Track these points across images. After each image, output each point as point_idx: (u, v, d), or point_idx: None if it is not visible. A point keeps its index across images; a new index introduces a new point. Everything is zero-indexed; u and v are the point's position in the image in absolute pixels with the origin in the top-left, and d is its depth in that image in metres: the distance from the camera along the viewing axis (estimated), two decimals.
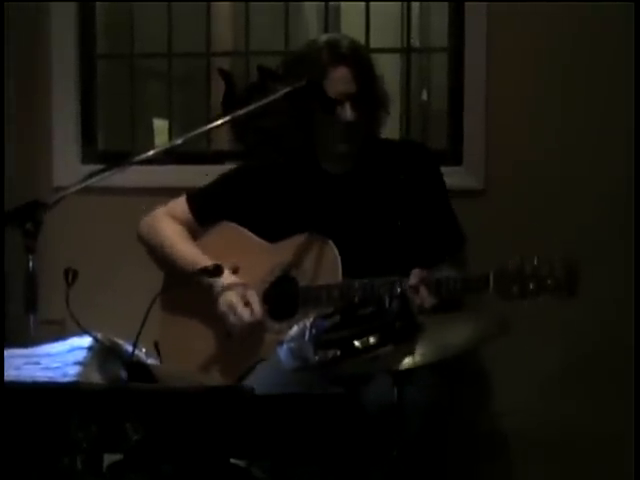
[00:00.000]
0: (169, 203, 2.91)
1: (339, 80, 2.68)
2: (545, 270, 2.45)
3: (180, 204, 2.88)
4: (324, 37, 2.81)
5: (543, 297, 2.46)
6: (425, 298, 2.50)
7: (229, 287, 2.69)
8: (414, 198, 2.77)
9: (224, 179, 2.91)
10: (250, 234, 2.81)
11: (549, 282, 2.45)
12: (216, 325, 2.77)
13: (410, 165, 2.81)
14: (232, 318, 2.68)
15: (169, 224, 2.85)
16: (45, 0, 3.56)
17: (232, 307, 2.68)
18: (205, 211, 2.86)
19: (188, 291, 2.77)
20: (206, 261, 2.69)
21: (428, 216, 2.76)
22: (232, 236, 2.83)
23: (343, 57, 2.70)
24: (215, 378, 2.69)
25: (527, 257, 2.48)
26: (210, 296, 2.72)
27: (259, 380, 2.49)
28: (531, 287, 2.45)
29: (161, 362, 2.73)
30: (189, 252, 2.79)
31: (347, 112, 2.68)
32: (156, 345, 2.76)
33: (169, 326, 2.82)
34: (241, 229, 2.82)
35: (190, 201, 2.87)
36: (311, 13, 3.99)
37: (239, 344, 2.73)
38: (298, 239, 2.73)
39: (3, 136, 3.49)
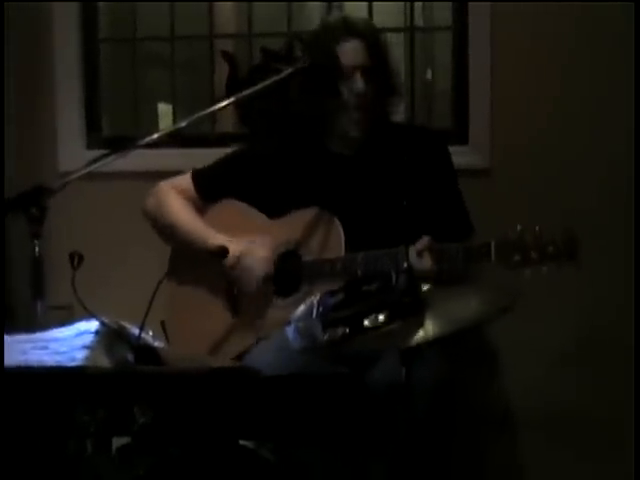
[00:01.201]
0: (173, 179, 2.91)
1: (351, 51, 2.69)
2: (546, 238, 2.46)
3: (185, 180, 2.89)
4: (340, 15, 2.82)
5: (545, 265, 2.46)
6: (427, 261, 2.50)
7: (244, 251, 2.70)
8: (421, 182, 2.76)
9: (230, 158, 2.92)
10: (254, 211, 2.82)
11: (550, 249, 2.46)
12: (224, 303, 2.78)
13: (418, 149, 2.81)
14: (245, 276, 2.67)
15: (177, 200, 2.86)
16: None
17: (244, 266, 2.69)
18: (210, 189, 2.87)
19: (196, 268, 2.78)
20: (215, 237, 2.71)
21: (435, 201, 2.76)
22: (236, 213, 2.84)
23: (357, 30, 2.73)
24: (221, 356, 2.70)
25: (528, 226, 2.48)
26: (218, 273, 2.72)
27: (263, 360, 2.49)
28: (533, 255, 2.47)
29: (168, 341, 2.75)
30: (197, 227, 2.80)
31: (358, 83, 2.68)
32: (163, 324, 2.77)
33: (176, 304, 2.83)
34: (245, 206, 2.83)
35: (196, 178, 2.88)
36: None
37: (246, 322, 2.73)
38: (302, 214, 2.74)
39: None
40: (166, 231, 2.87)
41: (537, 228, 2.48)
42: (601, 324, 3.24)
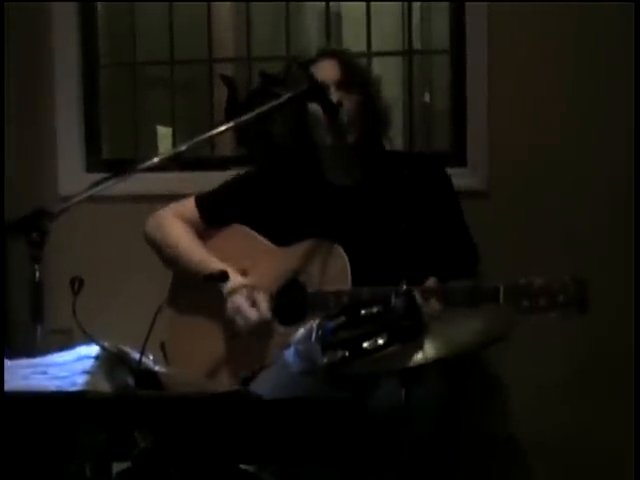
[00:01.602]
0: (176, 204, 2.91)
1: (324, 67, 2.73)
2: (556, 286, 2.44)
3: (188, 205, 2.89)
4: (313, 50, 2.88)
5: (553, 313, 2.45)
6: (434, 305, 2.50)
7: (237, 289, 2.70)
8: (423, 210, 2.77)
9: (233, 182, 2.93)
10: (260, 237, 2.82)
11: (560, 298, 2.44)
12: (224, 327, 2.78)
13: (418, 176, 2.81)
14: (239, 319, 2.69)
15: (178, 225, 2.87)
16: (46, 0, 3.57)
17: (239, 307, 2.69)
18: (214, 214, 2.87)
19: (196, 293, 2.78)
20: (215, 264, 2.72)
21: (438, 228, 2.76)
22: (242, 239, 2.84)
23: (330, 51, 2.82)
24: (222, 381, 2.70)
25: (538, 274, 2.47)
26: (218, 298, 2.72)
27: (265, 384, 2.49)
28: (542, 302, 2.45)
29: (167, 363, 2.74)
30: (198, 254, 2.80)
31: (332, 96, 2.68)
32: (162, 346, 2.77)
33: (177, 327, 2.83)
34: (251, 232, 2.83)
35: (199, 203, 2.88)
36: (312, 18, 4.00)
37: (246, 347, 2.73)
38: (308, 244, 2.73)
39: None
40: (166, 255, 2.87)
41: (547, 277, 2.46)
42: (601, 354, 3.23)
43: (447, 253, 2.73)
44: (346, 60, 2.80)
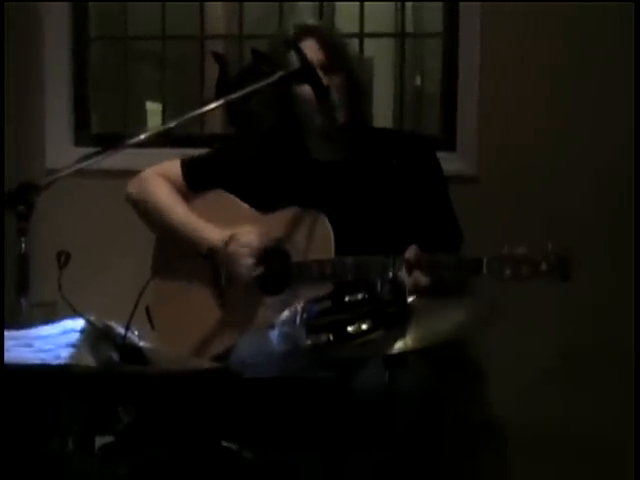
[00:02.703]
0: (160, 165, 2.90)
1: (305, 49, 2.68)
2: (538, 255, 2.47)
3: (173, 167, 2.88)
4: (291, 26, 2.83)
5: (538, 280, 2.47)
6: (419, 277, 2.51)
7: (228, 241, 2.70)
8: (409, 186, 2.77)
9: (220, 149, 2.94)
10: (242, 204, 2.82)
11: (542, 266, 2.47)
12: (210, 295, 2.78)
13: (406, 154, 2.81)
14: (235, 267, 2.68)
15: (162, 185, 2.85)
16: None
17: (235, 255, 2.69)
18: (199, 178, 2.87)
19: (182, 259, 2.78)
20: (199, 223, 2.73)
21: (424, 206, 2.76)
22: (224, 205, 2.83)
23: (309, 30, 2.76)
24: (206, 351, 2.69)
25: (521, 242, 2.50)
26: (203, 261, 2.72)
27: (247, 362, 2.49)
28: (524, 271, 2.47)
29: (152, 328, 2.74)
30: (184, 216, 2.80)
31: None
32: (147, 310, 2.76)
33: (161, 291, 2.81)
34: (233, 198, 2.83)
35: (185, 167, 2.88)
36: None
37: (232, 313, 2.73)
38: (291, 211, 2.74)
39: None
40: (149, 215, 2.85)
41: (529, 246, 2.48)
42: (585, 338, 3.24)
43: (431, 230, 2.73)
44: (326, 39, 2.76)
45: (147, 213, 2.85)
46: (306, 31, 2.76)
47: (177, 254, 2.80)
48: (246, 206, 2.81)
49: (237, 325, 2.72)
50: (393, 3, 3.68)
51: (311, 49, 2.71)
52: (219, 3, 3.88)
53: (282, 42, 2.75)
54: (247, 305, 2.72)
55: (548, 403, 3.25)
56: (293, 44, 2.66)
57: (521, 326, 3.12)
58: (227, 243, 2.70)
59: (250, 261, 2.69)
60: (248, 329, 2.68)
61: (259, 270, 2.70)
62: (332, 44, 2.77)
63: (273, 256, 2.73)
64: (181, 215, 2.80)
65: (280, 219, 2.74)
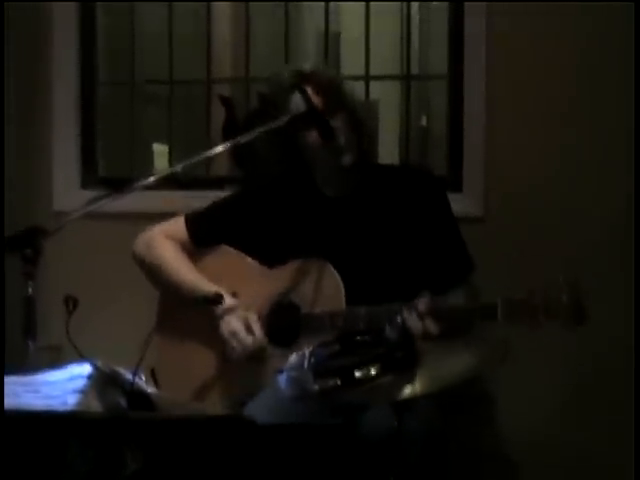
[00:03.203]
0: (165, 223, 2.90)
1: (298, 100, 2.67)
2: (553, 299, 2.44)
3: (178, 225, 2.87)
4: (288, 70, 2.83)
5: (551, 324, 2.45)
6: (430, 325, 2.49)
7: (230, 311, 2.68)
8: (417, 222, 2.76)
9: (223, 202, 2.91)
10: (248, 259, 2.80)
11: (558, 312, 2.44)
12: (215, 349, 2.76)
13: (412, 189, 2.80)
14: (234, 344, 2.67)
15: (168, 245, 2.84)
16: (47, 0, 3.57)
17: (234, 332, 2.67)
18: (203, 234, 2.85)
19: (185, 315, 2.76)
20: (208, 286, 2.69)
21: (433, 241, 2.75)
22: (230, 261, 2.82)
23: (304, 76, 2.74)
24: (214, 404, 2.67)
25: (534, 287, 2.47)
26: (209, 319, 2.71)
27: (259, 408, 2.48)
28: (540, 318, 2.44)
29: (158, 389, 2.72)
30: (190, 277, 2.78)
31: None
32: (152, 372, 2.74)
33: (166, 351, 2.80)
34: (239, 254, 2.81)
35: (189, 223, 2.87)
36: (311, 39, 4.01)
37: (238, 370, 2.72)
38: (297, 263, 2.72)
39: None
40: (155, 276, 2.85)
41: (543, 289, 2.46)
42: (600, 371, 3.24)
43: (441, 260, 2.72)
44: (322, 83, 2.74)
45: (152, 273, 2.84)
46: (302, 77, 2.74)
47: (181, 309, 2.79)
48: (252, 261, 2.79)
49: (245, 380, 2.69)
50: (399, 46, 3.70)
51: (302, 99, 2.70)
52: (226, 45, 3.90)
53: (283, 87, 2.74)
54: (254, 359, 2.70)
55: (561, 437, 3.24)
56: (298, 88, 2.67)
57: (530, 361, 3.11)
58: (225, 314, 2.69)
59: (248, 342, 2.67)
60: (255, 380, 2.65)
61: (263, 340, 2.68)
62: (328, 87, 2.75)
63: (282, 309, 2.72)
64: (186, 277, 2.78)
65: (287, 272, 2.73)
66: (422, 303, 2.50)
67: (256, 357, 2.68)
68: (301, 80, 2.73)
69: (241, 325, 2.67)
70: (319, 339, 2.43)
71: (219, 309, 2.67)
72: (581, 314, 2.44)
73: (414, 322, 2.45)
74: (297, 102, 2.66)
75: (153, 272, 2.84)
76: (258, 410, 2.36)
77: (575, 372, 3.24)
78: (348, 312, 2.60)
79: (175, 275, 2.80)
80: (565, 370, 3.24)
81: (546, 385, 3.24)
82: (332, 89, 2.76)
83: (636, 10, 3.19)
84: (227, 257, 2.82)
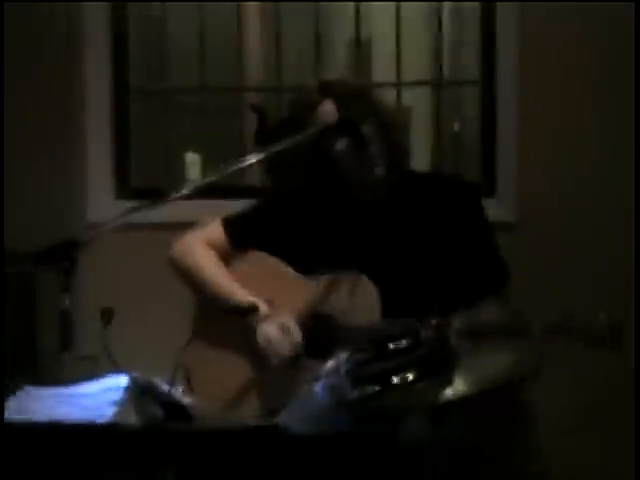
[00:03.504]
0: (201, 229, 2.90)
1: (323, 113, 2.68)
2: (591, 326, 2.42)
3: (215, 229, 2.87)
4: (315, 80, 2.82)
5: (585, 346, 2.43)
6: (463, 344, 2.48)
7: (266, 319, 2.68)
8: (452, 231, 2.74)
9: (261, 206, 2.91)
10: (285, 267, 2.80)
11: (596, 338, 2.41)
12: (250, 357, 2.76)
13: (446, 197, 2.79)
14: (271, 351, 2.67)
15: (205, 252, 2.84)
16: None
17: (271, 339, 2.67)
18: (242, 236, 2.85)
19: (222, 321, 2.76)
20: (244, 295, 2.70)
21: (467, 250, 2.74)
22: (267, 268, 2.81)
23: (330, 86, 2.73)
24: (250, 412, 2.67)
25: (570, 310, 2.45)
26: (245, 326, 2.71)
27: (293, 417, 2.47)
28: (577, 342, 2.42)
29: (192, 392, 2.72)
30: (226, 285, 2.78)
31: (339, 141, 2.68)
32: (187, 374, 2.74)
33: (202, 355, 2.80)
34: (276, 260, 2.81)
35: (227, 227, 2.87)
36: (341, 47, 4.01)
37: (273, 379, 2.71)
38: (335, 275, 2.72)
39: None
40: (191, 283, 2.86)
41: (579, 314, 2.44)
42: (599, 383, 3.21)
43: (476, 271, 2.70)
44: (348, 93, 2.73)
45: (188, 279, 2.85)
46: (327, 87, 2.73)
47: (217, 315, 2.79)
48: (288, 269, 2.79)
49: (279, 390, 2.69)
50: (430, 51, 3.69)
51: (327, 113, 2.68)
52: (258, 53, 3.91)
53: (309, 99, 2.74)
54: (289, 369, 2.70)
55: (563, 457, 3.20)
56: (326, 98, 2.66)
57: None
58: (261, 322, 2.69)
59: (286, 348, 2.67)
60: (289, 390, 2.64)
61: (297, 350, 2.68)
62: (355, 95, 2.75)
63: (318, 320, 2.71)
64: (223, 285, 2.78)
65: (324, 283, 2.72)
66: (458, 322, 2.49)
67: (292, 365, 2.68)
68: (327, 90, 2.73)
69: (278, 331, 2.67)
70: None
71: (255, 317, 2.68)
72: (619, 343, 2.41)
73: (452, 340, 2.44)
74: (326, 112, 2.67)
75: (189, 279, 2.85)
76: (293, 420, 2.35)
77: (574, 390, 3.20)
78: (384, 325, 2.59)
79: (211, 283, 2.80)
80: (563, 387, 3.20)
81: (546, 406, 3.21)
82: (359, 97, 2.76)
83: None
84: (263, 264, 2.82)
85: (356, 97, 2.75)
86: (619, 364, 3.13)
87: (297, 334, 2.67)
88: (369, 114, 2.73)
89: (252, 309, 2.62)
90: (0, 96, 3.53)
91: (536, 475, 3.22)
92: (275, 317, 2.68)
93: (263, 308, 2.68)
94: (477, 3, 3.49)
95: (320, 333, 2.68)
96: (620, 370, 3.17)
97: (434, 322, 2.28)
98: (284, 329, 2.67)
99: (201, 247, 2.85)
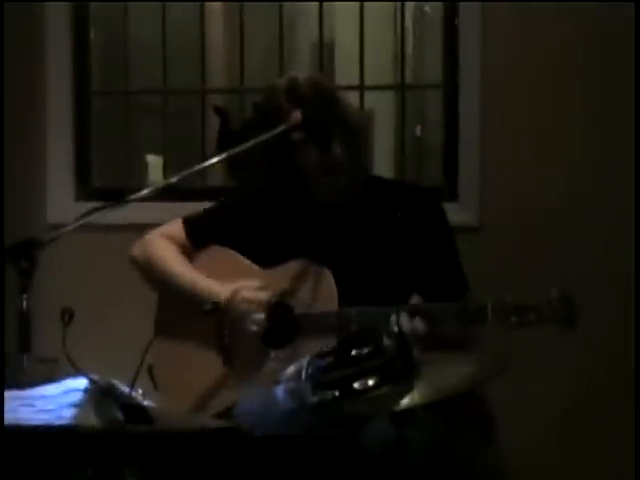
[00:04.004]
0: (162, 226, 2.90)
1: (295, 124, 2.67)
2: (543, 301, 2.45)
3: (175, 227, 2.88)
4: (284, 80, 2.81)
5: (543, 326, 2.46)
6: (419, 326, 2.49)
7: (235, 292, 2.68)
8: (414, 237, 2.76)
9: (221, 206, 2.92)
10: (243, 259, 2.81)
11: (547, 312, 2.45)
12: (213, 353, 2.76)
13: (411, 205, 2.80)
14: (253, 308, 2.66)
15: (165, 244, 2.85)
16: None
17: (248, 298, 2.67)
18: (201, 234, 2.86)
19: (183, 315, 2.76)
20: (206, 282, 2.72)
21: (428, 257, 2.75)
22: (225, 261, 2.82)
23: (300, 100, 2.71)
24: (211, 408, 2.67)
25: (524, 290, 2.48)
26: (206, 320, 2.70)
27: (254, 418, 2.46)
28: (530, 318, 2.46)
29: (155, 388, 2.72)
30: (188, 274, 2.79)
31: (310, 152, 2.68)
32: (150, 370, 2.73)
33: (164, 351, 2.79)
34: (234, 254, 2.82)
35: (186, 225, 2.87)
36: (305, 49, 4.01)
37: (235, 371, 2.71)
38: (293, 265, 2.72)
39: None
40: (152, 275, 2.85)
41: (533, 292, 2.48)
42: (599, 382, 3.23)
43: (435, 280, 2.71)
44: (318, 95, 2.72)
45: (150, 272, 2.84)
46: (297, 102, 2.69)
47: (179, 313, 2.79)
48: (248, 262, 2.80)
49: (241, 380, 2.70)
50: (393, 55, 3.70)
51: (295, 116, 2.67)
52: (221, 55, 3.89)
53: (278, 98, 2.73)
54: (251, 360, 2.70)
55: (560, 448, 3.23)
56: (293, 100, 2.66)
57: (530, 371, 3.10)
58: (232, 298, 2.69)
59: (259, 316, 2.68)
60: (253, 384, 2.65)
61: (263, 325, 2.69)
62: (324, 97, 2.74)
63: (276, 310, 2.72)
64: (185, 273, 2.79)
65: (282, 273, 2.73)
66: (411, 303, 2.50)
67: (251, 358, 2.68)
68: (295, 91, 2.72)
69: (248, 291, 2.68)
70: (312, 339, 2.45)
71: (224, 297, 2.67)
72: (572, 315, 2.45)
73: (404, 322, 2.46)
74: (294, 115, 2.66)
75: (150, 271, 2.84)
76: (254, 421, 2.34)
77: (574, 388, 3.22)
78: (340, 313, 2.61)
79: (172, 272, 2.80)
80: (563, 385, 3.23)
81: (543, 400, 3.23)
82: (328, 99, 2.76)
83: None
84: (223, 258, 2.83)
85: (325, 100, 2.75)
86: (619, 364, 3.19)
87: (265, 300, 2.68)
88: (337, 117, 2.74)
89: (215, 308, 2.62)
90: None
91: (503, 475, 3.25)
92: (239, 293, 2.69)
93: (227, 287, 2.68)
94: (440, 4, 3.49)
95: (278, 322, 2.69)
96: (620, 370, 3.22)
97: (396, 330, 2.29)
98: (252, 288, 2.68)
99: (161, 241, 2.86)
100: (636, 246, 3.14)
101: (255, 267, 2.79)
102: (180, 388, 2.73)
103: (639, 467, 3.05)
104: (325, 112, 2.71)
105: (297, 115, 2.64)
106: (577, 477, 3.25)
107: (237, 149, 2.58)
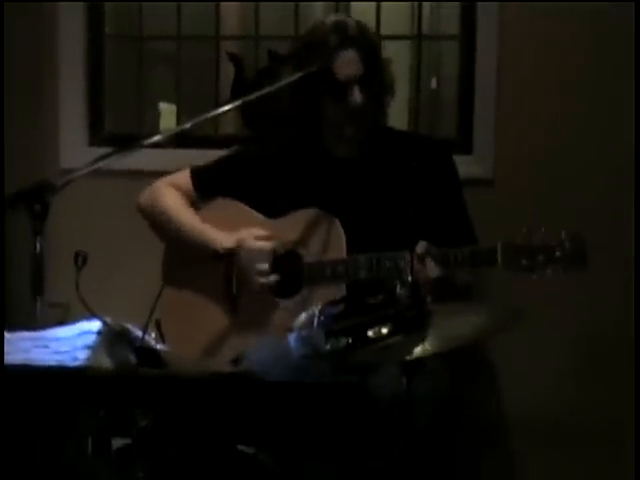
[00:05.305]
0: (171, 175, 2.90)
1: (347, 63, 2.66)
2: (553, 241, 2.44)
3: (183, 177, 2.88)
4: (331, 19, 2.78)
5: (552, 269, 2.45)
6: (431, 268, 2.49)
7: (242, 241, 2.69)
8: (424, 188, 2.75)
9: (231, 157, 2.93)
10: (250, 210, 2.81)
11: (557, 253, 2.45)
12: (221, 303, 2.76)
13: (423, 157, 2.79)
14: (256, 261, 2.67)
15: (172, 193, 2.86)
16: None
17: (252, 247, 2.68)
18: (209, 186, 2.86)
19: (192, 269, 2.77)
20: (212, 232, 2.73)
21: (439, 209, 2.75)
22: (233, 212, 2.83)
23: (350, 40, 2.69)
24: (219, 358, 2.68)
25: (534, 229, 2.47)
26: (213, 271, 2.70)
27: (267, 364, 2.47)
28: (539, 259, 2.45)
29: (163, 341, 2.73)
30: (193, 223, 2.79)
31: (356, 95, 2.66)
32: (158, 324, 2.75)
33: (172, 303, 2.80)
34: (242, 205, 2.82)
35: (194, 175, 2.88)
36: None
37: (245, 322, 2.72)
38: (301, 215, 2.73)
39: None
40: (159, 224, 2.85)
41: (543, 230, 2.47)
42: (601, 334, 3.24)
43: (445, 234, 2.71)
44: (368, 51, 2.71)
45: (156, 221, 2.85)
46: (347, 41, 2.68)
47: (186, 262, 2.79)
48: (255, 213, 2.79)
49: (250, 330, 2.71)
50: (409, 5, 3.66)
51: (351, 63, 2.67)
52: (235, 3, 3.85)
53: (328, 43, 2.68)
54: (260, 309, 2.71)
55: (562, 400, 3.24)
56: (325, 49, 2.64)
57: (534, 324, 3.10)
58: (237, 248, 2.69)
59: (263, 267, 2.67)
60: (262, 333, 2.66)
61: (273, 277, 2.68)
62: (372, 57, 2.72)
63: (285, 259, 2.72)
64: (190, 223, 2.79)
65: (290, 223, 2.73)
66: (421, 247, 2.50)
67: (261, 308, 2.68)
68: (346, 42, 2.68)
69: (252, 241, 2.69)
70: (321, 287, 2.45)
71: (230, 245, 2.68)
72: (581, 258, 2.44)
73: (415, 266, 2.45)
74: (349, 60, 2.62)
75: (156, 219, 2.85)
76: (264, 370, 2.35)
77: (575, 336, 3.24)
78: (348, 260, 2.61)
79: (178, 221, 2.81)
80: (564, 334, 3.24)
81: (546, 350, 3.24)
82: (373, 56, 2.73)
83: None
84: (230, 209, 2.83)
85: (371, 45, 2.73)
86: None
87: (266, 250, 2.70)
88: (378, 65, 2.72)
89: (220, 254, 2.63)
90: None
91: (507, 426, 3.27)
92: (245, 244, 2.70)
93: (230, 241, 2.69)
94: None
95: (287, 271, 2.69)
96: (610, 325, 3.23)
97: (409, 279, 2.29)
98: (257, 238, 2.69)
99: (168, 189, 2.86)
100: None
101: (261, 217, 2.79)
102: (188, 339, 2.74)
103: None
104: (371, 57, 2.69)
105: (349, 54, 2.61)
106: (577, 428, 3.26)
107: (251, 96, 2.57)
